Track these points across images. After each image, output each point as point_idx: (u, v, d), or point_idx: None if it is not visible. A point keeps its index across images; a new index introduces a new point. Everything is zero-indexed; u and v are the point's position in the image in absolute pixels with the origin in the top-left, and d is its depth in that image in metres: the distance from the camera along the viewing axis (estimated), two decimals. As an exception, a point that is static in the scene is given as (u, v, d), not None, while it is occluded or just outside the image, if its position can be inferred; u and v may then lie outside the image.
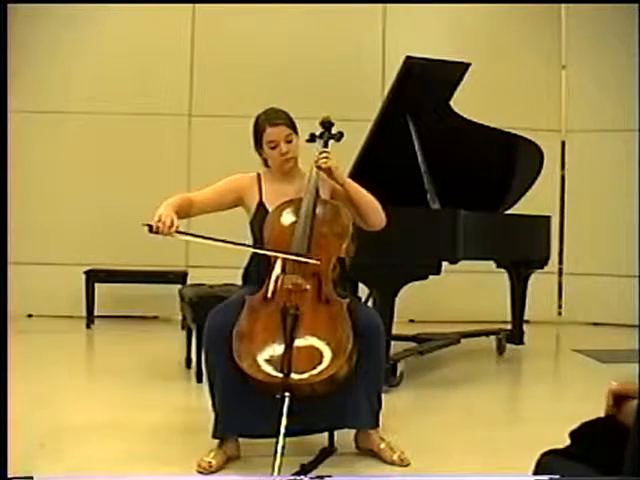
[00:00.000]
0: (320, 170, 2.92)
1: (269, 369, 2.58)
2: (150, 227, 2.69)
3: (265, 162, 3.07)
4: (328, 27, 6.56)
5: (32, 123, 6.34)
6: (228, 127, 6.40)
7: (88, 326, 6.01)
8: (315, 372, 2.57)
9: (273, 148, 2.96)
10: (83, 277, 6.07)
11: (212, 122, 6.49)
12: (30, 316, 6.37)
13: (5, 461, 2.28)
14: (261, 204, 2.99)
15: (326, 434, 2.91)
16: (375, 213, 2.97)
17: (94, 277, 6.10)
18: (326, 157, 2.90)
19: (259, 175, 3.06)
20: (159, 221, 2.68)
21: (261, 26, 6.51)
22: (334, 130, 3.07)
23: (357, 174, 3.83)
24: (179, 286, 5.02)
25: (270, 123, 2.95)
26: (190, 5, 6.51)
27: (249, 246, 2.96)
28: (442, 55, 4.31)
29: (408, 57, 4.11)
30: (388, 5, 6.62)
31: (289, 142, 2.95)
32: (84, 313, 6.05)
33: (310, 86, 6.33)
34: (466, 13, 6.61)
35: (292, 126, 2.98)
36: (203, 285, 4.46)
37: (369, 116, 4.36)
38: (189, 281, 5.85)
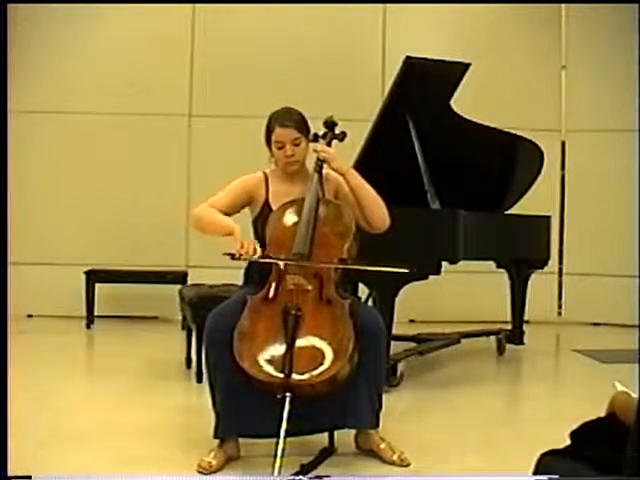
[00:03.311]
0: (320, 162, 2.94)
1: (270, 369, 2.57)
2: (232, 255, 2.74)
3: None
4: (328, 27, 6.56)
5: (32, 123, 6.34)
6: (228, 127, 6.42)
7: (88, 326, 6.00)
8: (316, 373, 2.56)
9: (280, 149, 2.96)
10: (83, 277, 6.07)
11: (212, 122, 6.49)
12: (30, 316, 6.37)
13: (5, 461, 2.28)
14: (266, 203, 2.99)
15: (326, 434, 2.92)
16: (378, 209, 2.96)
17: (94, 277, 6.10)
18: (323, 150, 2.94)
19: (266, 174, 3.06)
20: (242, 248, 2.72)
21: (261, 26, 6.51)
22: (337, 130, 3.08)
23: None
24: (179, 286, 5.01)
25: (280, 124, 2.94)
26: (190, 5, 6.51)
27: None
28: (442, 55, 4.31)
29: (408, 57, 4.11)
30: (388, 5, 6.62)
31: (296, 145, 2.95)
32: (84, 313, 6.05)
33: (310, 86, 6.32)
34: (466, 13, 6.61)
35: (302, 129, 2.96)
36: (203, 285, 4.46)
37: (369, 116, 4.36)
38: (189, 281, 5.85)
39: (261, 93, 6.20)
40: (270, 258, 2.79)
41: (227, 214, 2.95)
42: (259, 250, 2.75)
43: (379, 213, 2.97)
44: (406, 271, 2.78)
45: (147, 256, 6.30)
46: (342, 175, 2.97)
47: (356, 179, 2.96)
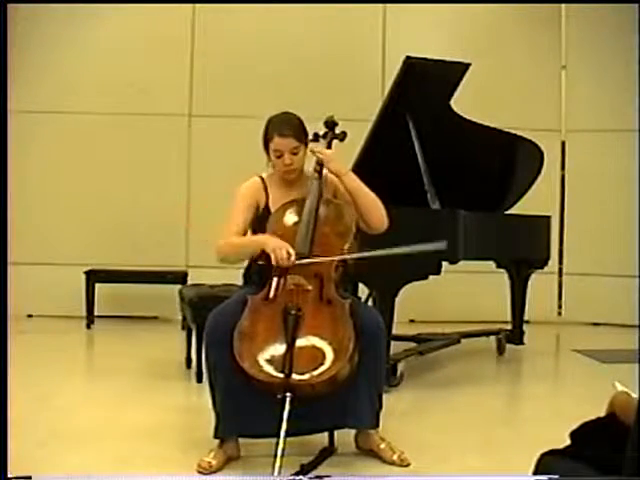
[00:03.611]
0: (318, 164, 2.94)
1: (270, 369, 2.58)
2: (269, 263, 2.76)
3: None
4: (328, 27, 6.56)
5: (32, 123, 6.34)
6: (228, 127, 6.41)
7: (88, 326, 6.00)
8: (316, 373, 2.57)
9: (278, 157, 2.95)
10: (83, 277, 6.07)
11: (212, 122, 6.49)
12: (30, 316, 6.37)
13: (5, 461, 2.28)
14: (266, 206, 2.99)
15: (326, 434, 2.92)
16: (376, 210, 2.96)
17: (94, 277, 6.10)
18: (320, 152, 2.94)
19: (263, 179, 3.06)
20: (276, 258, 2.74)
21: (261, 26, 6.51)
22: (338, 130, 3.08)
23: (357, 174, 3.82)
24: (179, 286, 5.01)
25: (279, 133, 2.92)
26: (190, 5, 6.51)
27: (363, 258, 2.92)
28: (442, 55, 4.31)
29: (408, 57, 4.11)
30: (388, 5, 6.62)
31: (295, 154, 2.94)
32: (84, 313, 6.05)
33: (310, 86, 6.32)
34: (466, 13, 6.61)
35: (301, 138, 2.95)
36: (203, 285, 4.47)
37: (369, 116, 4.36)
38: (189, 281, 5.85)
39: (261, 93, 6.20)
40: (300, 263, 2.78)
41: (245, 230, 2.97)
42: (293, 254, 2.75)
43: (377, 214, 2.97)
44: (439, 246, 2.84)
45: (147, 256, 6.30)
46: (339, 177, 2.97)
47: (354, 182, 2.96)
